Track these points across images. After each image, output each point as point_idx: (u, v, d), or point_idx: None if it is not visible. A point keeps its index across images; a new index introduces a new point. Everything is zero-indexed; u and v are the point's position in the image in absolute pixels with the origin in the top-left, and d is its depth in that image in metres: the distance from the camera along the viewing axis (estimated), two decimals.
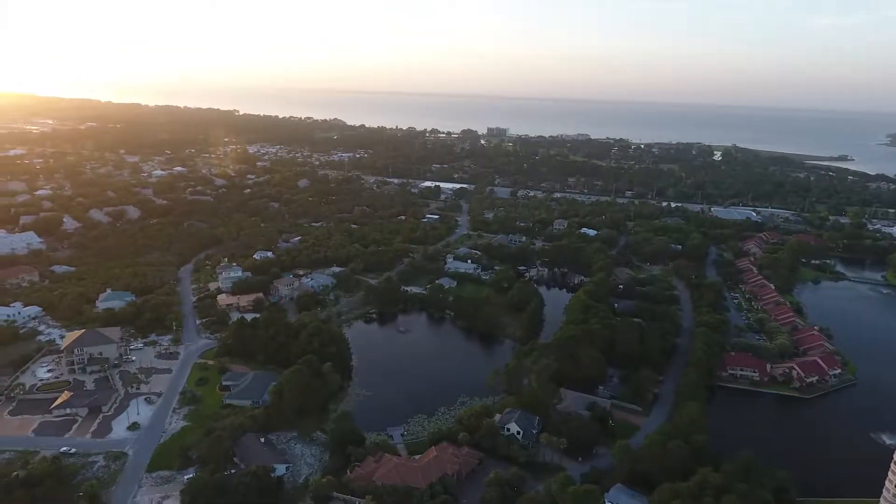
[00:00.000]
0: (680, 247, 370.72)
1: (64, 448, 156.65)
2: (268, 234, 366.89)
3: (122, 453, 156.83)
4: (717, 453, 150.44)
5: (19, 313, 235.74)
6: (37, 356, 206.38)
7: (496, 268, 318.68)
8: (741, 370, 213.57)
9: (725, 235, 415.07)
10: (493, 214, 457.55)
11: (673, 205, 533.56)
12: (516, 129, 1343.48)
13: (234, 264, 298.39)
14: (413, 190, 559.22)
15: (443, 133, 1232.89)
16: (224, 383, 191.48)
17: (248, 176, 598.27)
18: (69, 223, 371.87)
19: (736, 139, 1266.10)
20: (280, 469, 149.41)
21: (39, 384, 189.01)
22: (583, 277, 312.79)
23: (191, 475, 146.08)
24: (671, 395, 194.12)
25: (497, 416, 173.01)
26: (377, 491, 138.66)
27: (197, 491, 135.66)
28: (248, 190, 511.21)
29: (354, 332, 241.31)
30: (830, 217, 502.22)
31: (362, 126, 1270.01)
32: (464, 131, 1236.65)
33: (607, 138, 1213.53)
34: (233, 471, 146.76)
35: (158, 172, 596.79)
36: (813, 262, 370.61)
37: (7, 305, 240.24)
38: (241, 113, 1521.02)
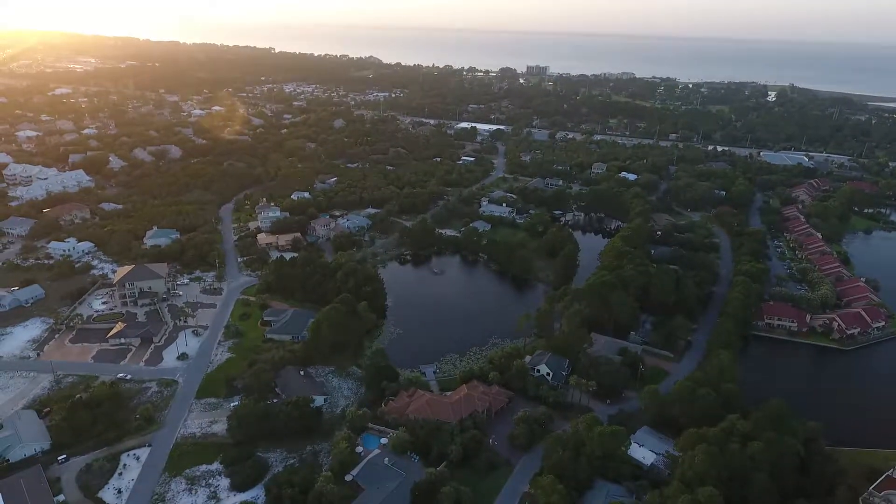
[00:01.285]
0: (724, 193, 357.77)
1: (120, 374, 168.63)
2: (305, 174, 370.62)
3: (172, 381, 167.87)
4: (747, 402, 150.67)
5: (74, 248, 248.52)
6: (92, 289, 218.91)
7: (531, 212, 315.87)
8: (779, 320, 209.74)
9: (773, 182, 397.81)
10: (529, 157, 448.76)
11: (719, 149, 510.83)
12: (557, 67, 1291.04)
13: (273, 204, 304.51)
14: (449, 131, 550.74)
15: (480, 72, 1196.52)
16: (265, 319, 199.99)
17: (285, 116, 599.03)
18: (115, 162, 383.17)
19: (794, 78, 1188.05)
20: (319, 400, 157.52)
21: (95, 315, 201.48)
22: (620, 223, 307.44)
23: (236, 403, 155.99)
24: (704, 343, 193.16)
25: (527, 358, 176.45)
26: (410, 424, 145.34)
27: (242, 417, 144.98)
28: (285, 130, 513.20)
29: (389, 272, 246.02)
30: (890, 164, 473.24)
31: (398, 64, 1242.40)
32: (502, 70, 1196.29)
33: (653, 77, 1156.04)
34: (274, 400, 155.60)
35: (197, 112, 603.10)
36: (866, 210, 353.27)
37: (62, 241, 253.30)
38: (276, 51, 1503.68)
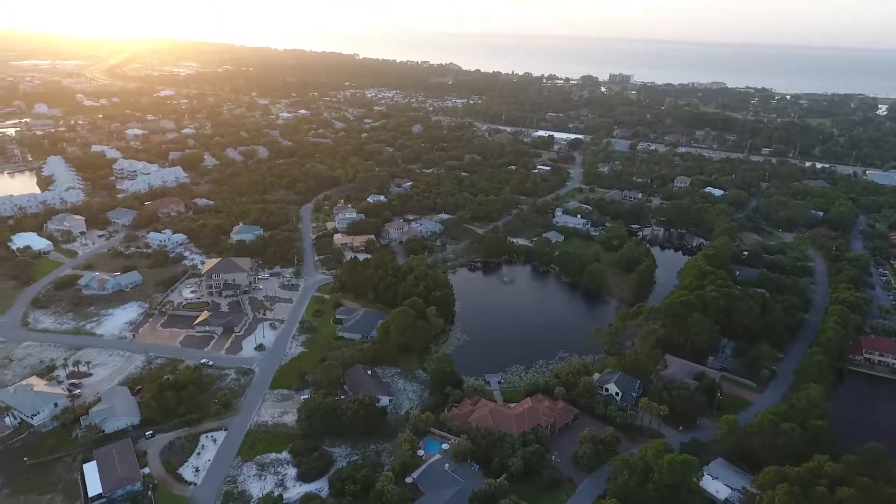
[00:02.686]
0: (822, 214, 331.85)
1: (203, 360, 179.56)
2: (381, 178, 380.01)
3: (250, 370, 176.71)
4: (839, 442, 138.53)
5: (169, 239, 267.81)
6: (183, 278, 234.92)
7: (607, 224, 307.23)
8: (880, 356, 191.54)
9: (880, 203, 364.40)
10: (608, 168, 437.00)
11: (818, 165, 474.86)
12: (642, 75, 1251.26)
13: (350, 206, 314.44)
14: (525, 139, 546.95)
15: (560, 79, 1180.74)
16: (337, 317, 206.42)
17: (365, 120, 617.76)
18: (209, 160, 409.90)
19: None
20: (384, 400, 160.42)
21: (184, 302, 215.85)
22: (702, 241, 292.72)
23: (306, 396, 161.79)
24: (791, 374, 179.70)
25: (596, 376, 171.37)
26: (472, 432, 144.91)
27: (311, 410, 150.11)
28: (365, 134, 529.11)
29: (459, 278, 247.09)
30: None
31: (477, 71, 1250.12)
32: (583, 78, 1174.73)
33: (746, 87, 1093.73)
34: (342, 397, 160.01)
35: (285, 115, 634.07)
36: None
37: (160, 232, 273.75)
38: (360, 57, 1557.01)
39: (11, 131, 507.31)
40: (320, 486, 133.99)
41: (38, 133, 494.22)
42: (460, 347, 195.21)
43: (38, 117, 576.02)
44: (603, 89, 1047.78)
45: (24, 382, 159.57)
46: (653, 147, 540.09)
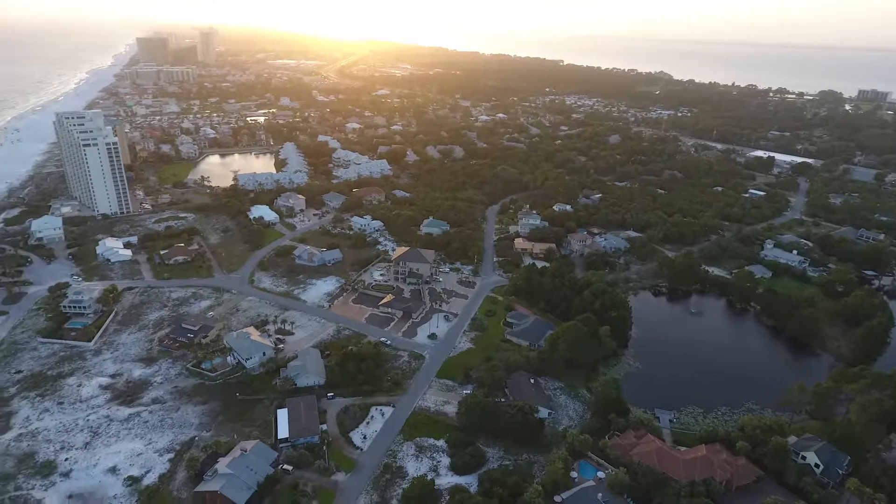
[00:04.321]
0: None
1: (383, 338, 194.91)
2: (570, 187, 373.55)
3: (421, 355, 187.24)
4: None
5: (368, 225, 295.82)
6: (375, 261, 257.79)
7: (831, 266, 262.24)
8: None
9: None
10: (841, 200, 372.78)
11: None
12: None
13: (534, 212, 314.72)
14: (738, 159, 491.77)
15: (792, 94, 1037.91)
16: (508, 320, 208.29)
17: (561, 127, 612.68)
18: (410, 156, 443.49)
19: None
20: (543, 412, 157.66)
21: (373, 284, 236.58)
22: None
23: (469, 391, 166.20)
24: None
25: (792, 439, 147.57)
26: (632, 466, 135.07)
27: (471, 406, 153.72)
28: (559, 141, 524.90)
29: (639, 301, 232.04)
30: None
31: (690, 81, 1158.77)
32: (822, 93, 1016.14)
33: None
34: (502, 399, 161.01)
35: (483, 118, 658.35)
36: None
37: (361, 217, 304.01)
38: (564, 63, 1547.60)
39: (261, 119, 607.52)
40: (470, 482, 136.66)
41: (280, 122, 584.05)
42: (631, 374, 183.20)
43: (281, 108, 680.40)
44: (847, 107, 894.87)
45: (244, 330, 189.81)
46: None
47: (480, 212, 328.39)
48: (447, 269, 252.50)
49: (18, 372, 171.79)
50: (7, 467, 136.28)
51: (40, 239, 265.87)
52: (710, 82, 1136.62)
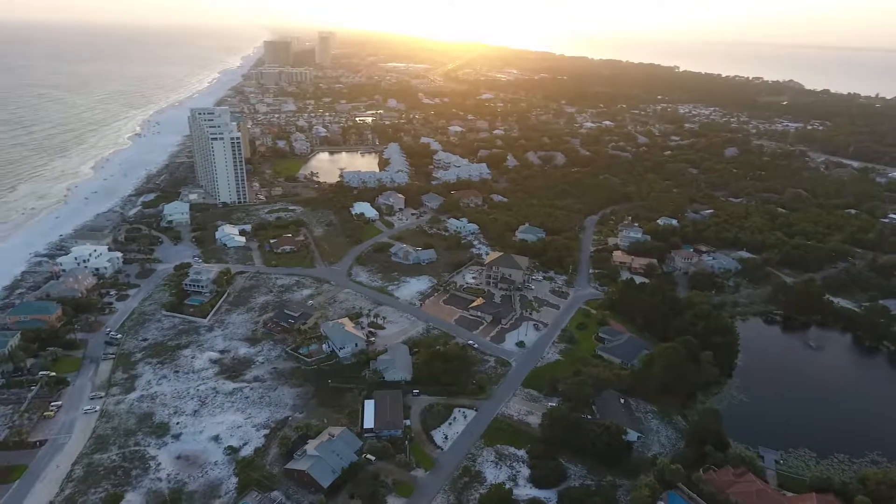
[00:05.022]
0: None
1: (471, 341, 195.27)
2: (677, 200, 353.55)
3: (507, 362, 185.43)
4: None
5: (464, 227, 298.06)
6: (468, 263, 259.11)
7: None
8: None
9: None
10: None
11: None
12: None
13: (636, 224, 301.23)
14: (879, 179, 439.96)
15: None
16: (600, 335, 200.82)
17: (672, 137, 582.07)
18: (510, 161, 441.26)
19: None
20: (632, 435, 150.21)
21: (465, 286, 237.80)
22: None
23: (554, 404, 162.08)
24: None
25: None
26: None
27: (556, 420, 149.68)
28: (669, 152, 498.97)
29: (748, 328, 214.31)
30: None
31: (824, 91, 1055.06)
32: None
33: None
34: (589, 416, 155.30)
35: (588, 124, 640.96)
36: None
37: (458, 219, 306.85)
38: (680, 70, 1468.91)
39: (369, 119, 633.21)
40: (549, 496, 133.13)
41: (386, 123, 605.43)
42: (734, 407, 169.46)
43: (388, 110, 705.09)
44: None
45: (339, 321, 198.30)
46: None
47: (579, 221, 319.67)
48: (540, 278, 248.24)
49: (144, 340, 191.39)
50: (130, 424, 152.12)
51: (170, 222, 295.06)
52: (850, 93, 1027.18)
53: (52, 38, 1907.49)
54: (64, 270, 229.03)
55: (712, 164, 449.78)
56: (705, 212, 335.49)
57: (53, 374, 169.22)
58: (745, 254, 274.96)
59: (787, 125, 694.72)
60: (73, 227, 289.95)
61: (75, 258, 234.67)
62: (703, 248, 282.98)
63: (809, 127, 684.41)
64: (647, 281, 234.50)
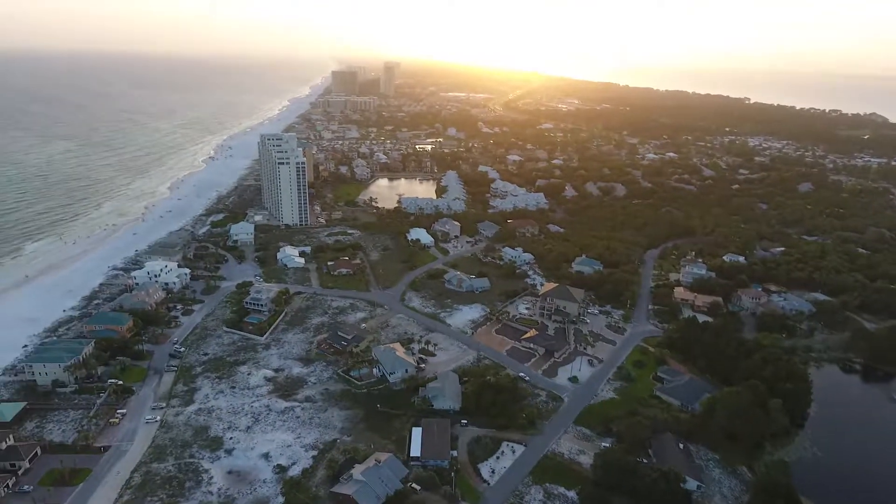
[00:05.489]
0: None
1: (522, 373, 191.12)
2: (745, 236, 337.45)
3: (559, 397, 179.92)
4: None
5: (519, 257, 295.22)
6: (522, 294, 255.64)
7: None
8: None
9: None
10: None
11: None
12: None
13: (700, 260, 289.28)
14: None
15: None
16: (658, 374, 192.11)
17: (741, 171, 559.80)
18: (569, 191, 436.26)
19: None
20: (692, 483, 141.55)
21: (518, 317, 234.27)
22: None
23: (607, 445, 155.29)
24: None
25: None
26: None
27: (609, 462, 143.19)
28: (737, 186, 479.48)
29: (823, 376, 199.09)
30: None
31: None
32: None
33: None
34: (645, 460, 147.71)
35: (651, 156, 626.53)
36: None
37: (513, 248, 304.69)
38: (751, 101, 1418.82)
39: (428, 147, 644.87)
40: None
41: (445, 151, 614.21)
42: (806, 461, 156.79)
43: (448, 138, 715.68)
44: None
45: (390, 345, 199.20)
46: None
47: (638, 255, 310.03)
48: (596, 311, 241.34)
49: (205, 354, 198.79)
50: (187, 436, 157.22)
51: (235, 241, 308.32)
52: None
53: (139, 69, 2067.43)
54: (137, 284, 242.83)
55: (784, 199, 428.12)
56: (776, 249, 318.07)
57: (121, 382, 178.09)
58: (820, 296, 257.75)
59: (869, 160, 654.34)
60: (147, 243, 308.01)
61: (148, 273, 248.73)
62: (773, 288, 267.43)
63: (894, 163, 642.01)
64: (710, 320, 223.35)
